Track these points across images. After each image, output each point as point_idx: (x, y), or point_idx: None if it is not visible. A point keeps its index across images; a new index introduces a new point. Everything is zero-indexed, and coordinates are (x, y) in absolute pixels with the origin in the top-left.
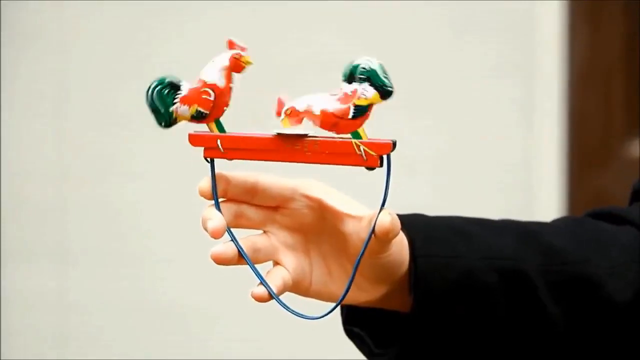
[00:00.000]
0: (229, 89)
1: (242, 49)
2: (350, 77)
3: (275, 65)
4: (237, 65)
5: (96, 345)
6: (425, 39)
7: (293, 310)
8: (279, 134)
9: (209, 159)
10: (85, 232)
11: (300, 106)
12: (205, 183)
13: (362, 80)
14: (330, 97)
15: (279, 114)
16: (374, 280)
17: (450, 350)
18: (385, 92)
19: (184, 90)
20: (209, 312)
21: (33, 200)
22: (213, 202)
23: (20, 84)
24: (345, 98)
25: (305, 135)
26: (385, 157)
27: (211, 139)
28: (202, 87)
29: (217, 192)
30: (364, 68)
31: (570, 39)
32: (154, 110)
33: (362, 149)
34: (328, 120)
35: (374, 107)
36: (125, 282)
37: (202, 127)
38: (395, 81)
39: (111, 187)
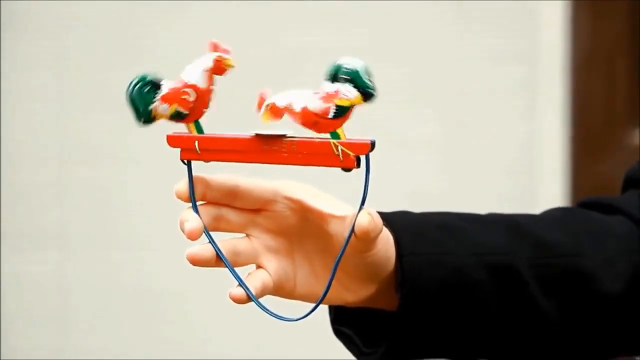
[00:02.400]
0: (210, 91)
1: (225, 52)
2: (333, 77)
3: (275, 56)
4: (219, 68)
5: (96, 330)
6: (428, 25)
7: (271, 312)
8: (257, 135)
9: (185, 161)
10: (83, 217)
11: (281, 102)
12: (182, 185)
13: (344, 81)
14: (312, 95)
15: (259, 108)
16: (360, 279)
17: (440, 348)
18: (367, 94)
19: (164, 89)
20: (207, 298)
21: (30, 185)
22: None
23: (18, 68)
24: (327, 97)
25: (284, 136)
26: (363, 157)
27: (189, 140)
28: (182, 87)
29: (195, 195)
30: (347, 68)
31: (572, 25)
32: (134, 107)
33: (339, 150)
34: (308, 119)
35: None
36: (122, 267)
37: (181, 128)
38: (398, 68)
39: (109, 173)
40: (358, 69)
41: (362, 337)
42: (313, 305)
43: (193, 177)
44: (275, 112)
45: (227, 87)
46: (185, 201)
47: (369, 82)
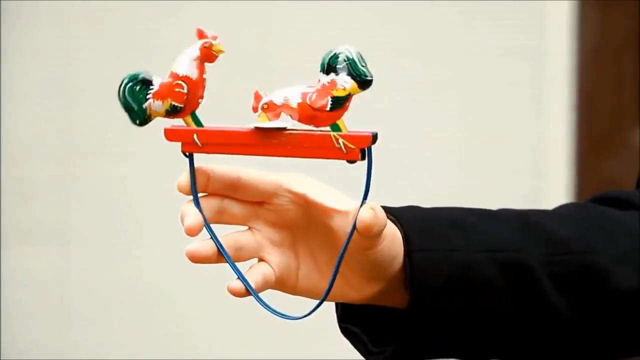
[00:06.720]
0: (202, 80)
1: (213, 38)
2: (328, 68)
3: (276, 52)
4: (208, 55)
5: (96, 327)
6: (435, 22)
7: (273, 310)
8: (257, 128)
9: (187, 154)
10: (85, 213)
11: (278, 100)
12: (184, 179)
13: (340, 70)
14: (307, 89)
15: (255, 109)
16: (365, 276)
17: (450, 347)
18: (364, 82)
19: (156, 85)
20: (210, 296)
21: (33, 181)
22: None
23: (21, 64)
24: (323, 89)
25: (284, 129)
26: (366, 149)
27: (187, 133)
28: (174, 81)
29: (197, 187)
30: (341, 57)
31: (579, 22)
32: (127, 108)
33: (341, 142)
34: (305, 113)
35: (355, 97)
36: (124, 263)
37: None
38: (404, 65)
39: (111, 169)
40: (352, 57)
41: (369, 336)
42: (315, 302)
43: (195, 168)
44: (273, 110)
45: (226, 81)
46: (187, 194)
47: (363, 69)
